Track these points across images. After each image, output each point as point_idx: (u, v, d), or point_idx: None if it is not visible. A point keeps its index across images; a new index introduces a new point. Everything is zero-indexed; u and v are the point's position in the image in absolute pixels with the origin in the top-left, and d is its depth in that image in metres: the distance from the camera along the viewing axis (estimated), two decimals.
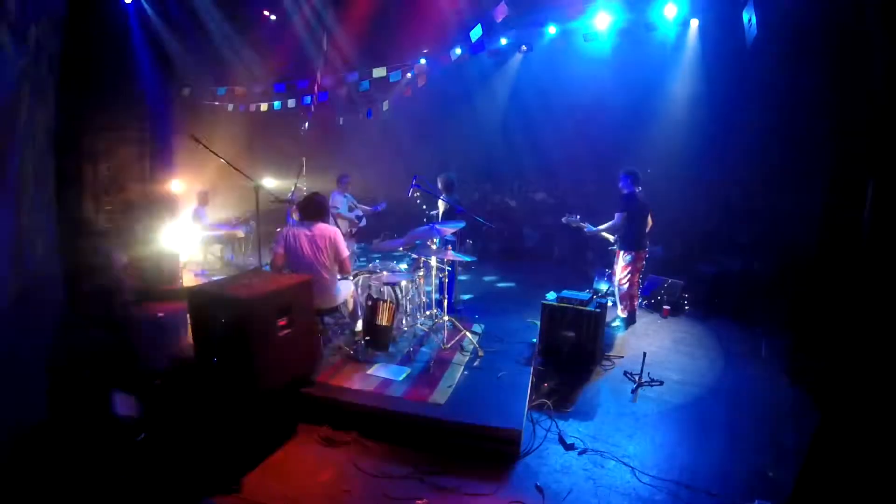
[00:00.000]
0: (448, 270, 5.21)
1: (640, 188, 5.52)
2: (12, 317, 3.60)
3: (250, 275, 3.98)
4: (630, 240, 5.44)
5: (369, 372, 3.99)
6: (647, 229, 5.60)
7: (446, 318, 4.68)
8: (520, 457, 3.22)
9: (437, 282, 4.91)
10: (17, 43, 3.44)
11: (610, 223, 5.47)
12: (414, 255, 5.26)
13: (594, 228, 5.60)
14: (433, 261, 4.84)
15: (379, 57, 8.12)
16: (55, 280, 4.62)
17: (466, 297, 6.43)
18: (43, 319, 4.27)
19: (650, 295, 6.40)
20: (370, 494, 2.87)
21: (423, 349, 4.51)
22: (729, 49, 6.87)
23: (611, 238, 5.63)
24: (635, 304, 5.74)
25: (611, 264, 5.88)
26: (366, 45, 8.69)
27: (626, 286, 5.53)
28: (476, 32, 5.68)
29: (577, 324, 4.46)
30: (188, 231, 7.52)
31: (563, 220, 5.78)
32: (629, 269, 5.46)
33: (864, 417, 2.42)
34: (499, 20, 5.32)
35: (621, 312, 5.64)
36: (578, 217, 5.68)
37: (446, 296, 4.83)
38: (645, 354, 4.38)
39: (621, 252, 5.51)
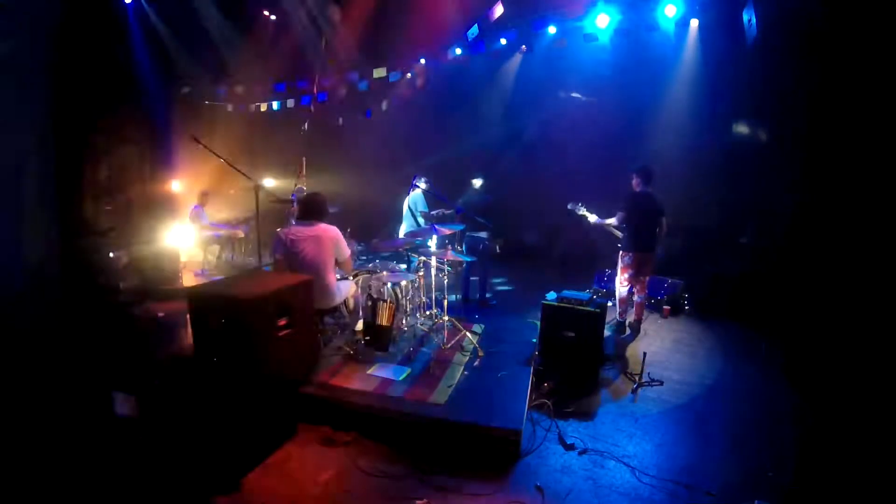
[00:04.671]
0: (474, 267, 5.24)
1: (651, 189, 5.37)
2: (15, 315, 3.61)
3: (250, 275, 3.99)
4: (628, 240, 5.33)
5: (369, 372, 3.99)
6: (658, 232, 5.35)
7: (446, 318, 4.69)
8: (520, 457, 3.22)
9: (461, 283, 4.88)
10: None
11: (611, 219, 5.43)
12: (414, 255, 5.27)
13: (599, 219, 5.54)
14: (433, 261, 4.85)
15: (379, 57, 8.13)
16: (55, 279, 4.62)
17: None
18: (43, 318, 4.27)
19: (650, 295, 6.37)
20: (370, 494, 2.87)
21: (423, 349, 4.50)
22: (729, 49, 6.87)
23: (619, 235, 5.55)
24: (641, 311, 5.51)
25: (613, 265, 5.82)
26: (365, 45, 8.69)
27: (624, 289, 5.40)
28: (473, 32, 5.70)
29: (577, 324, 4.45)
30: (188, 231, 7.52)
31: (569, 206, 5.72)
32: (628, 271, 5.33)
33: (862, 417, 2.42)
34: (493, 19, 5.33)
35: (619, 316, 5.45)
36: (582, 205, 5.62)
37: (444, 295, 4.83)
38: (645, 354, 4.38)
39: (621, 252, 5.42)
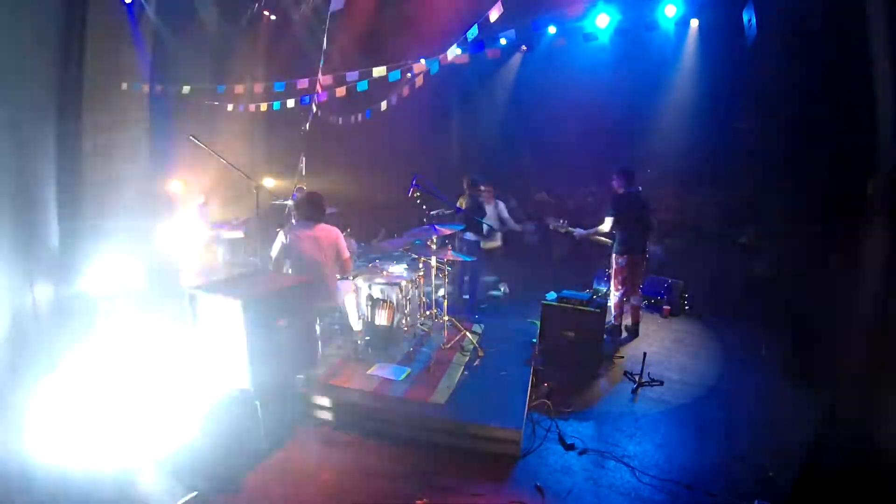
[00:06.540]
0: (465, 268, 5.17)
1: (640, 188, 5.36)
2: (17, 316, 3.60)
3: (250, 275, 3.98)
4: (619, 243, 5.19)
5: (369, 372, 3.99)
6: (647, 232, 5.32)
7: (446, 318, 4.69)
8: (520, 457, 3.22)
9: (457, 281, 4.84)
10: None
11: (599, 226, 5.24)
12: (414, 255, 5.26)
13: (583, 232, 5.41)
14: (433, 261, 4.85)
15: (379, 57, 8.12)
16: (55, 280, 4.61)
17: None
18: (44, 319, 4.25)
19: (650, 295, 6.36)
20: (370, 494, 2.87)
21: (423, 349, 4.51)
22: (729, 49, 6.88)
23: (608, 242, 5.39)
24: (637, 315, 5.41)
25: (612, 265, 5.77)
26: (366, 44, 8.69)
27: (618, 293, 5.27)
28: (472, 32, 5.71)
29: (577, 324, 4.45)
30: (189, 231, 7.51)
31: (550, 226, 5.63)
32: (621, 275, 5.20)
33: (864, 417, 2.42)
34: (492, 20, 5.33)
35: (614, 320, 5.32)
36: (565, 222, 5.52)
37: (444, 295, 4.82)
38: (645, 354, 4.38)
39: (613, 255, 5.27)
